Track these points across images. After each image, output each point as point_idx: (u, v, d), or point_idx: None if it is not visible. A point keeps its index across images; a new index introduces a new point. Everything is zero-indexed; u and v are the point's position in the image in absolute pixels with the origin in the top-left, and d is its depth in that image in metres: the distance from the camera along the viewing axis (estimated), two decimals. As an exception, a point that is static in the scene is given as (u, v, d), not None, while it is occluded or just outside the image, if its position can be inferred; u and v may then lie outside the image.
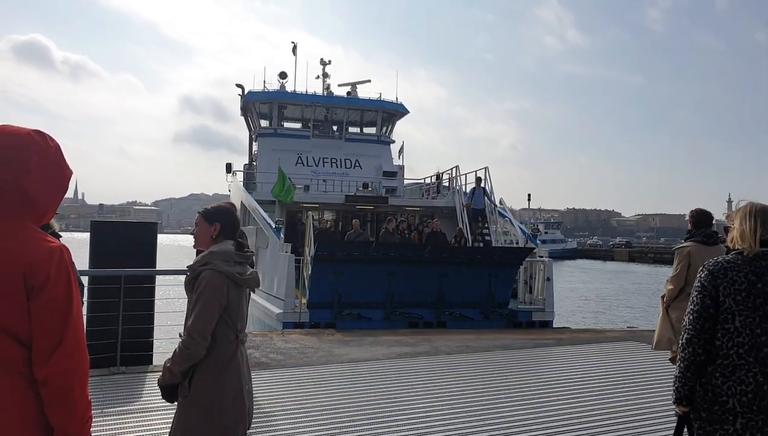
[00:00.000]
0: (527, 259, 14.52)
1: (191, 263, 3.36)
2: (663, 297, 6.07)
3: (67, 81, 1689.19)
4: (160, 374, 3.26)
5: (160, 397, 3.28)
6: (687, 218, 6.46)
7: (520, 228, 16.91)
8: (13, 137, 2.05)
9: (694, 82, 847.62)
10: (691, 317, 2.91)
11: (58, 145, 2.15)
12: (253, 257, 3.78)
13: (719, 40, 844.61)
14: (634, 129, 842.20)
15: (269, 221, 15.44)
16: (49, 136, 2.13)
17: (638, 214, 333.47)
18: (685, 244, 6.02)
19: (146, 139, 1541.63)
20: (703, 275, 2.92)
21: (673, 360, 5.75)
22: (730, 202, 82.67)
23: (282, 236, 14.67)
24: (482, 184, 18.53)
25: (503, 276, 14.00)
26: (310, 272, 13.26)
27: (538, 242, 16.78)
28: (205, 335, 3.11)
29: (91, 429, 2.09)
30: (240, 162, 27.80)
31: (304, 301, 13.11)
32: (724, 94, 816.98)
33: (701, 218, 6.10)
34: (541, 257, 14.79)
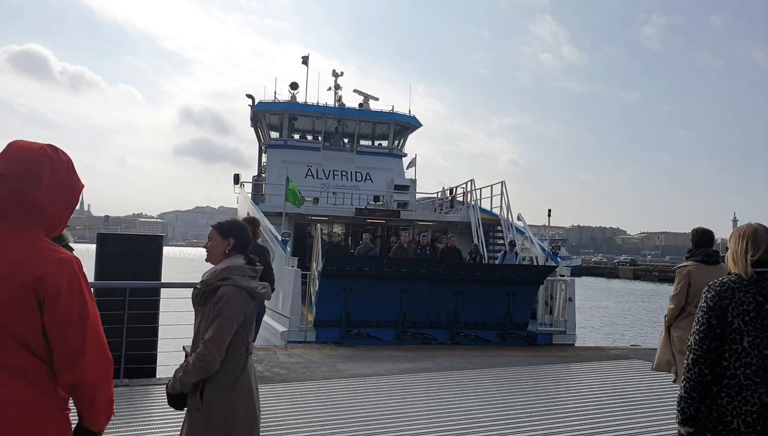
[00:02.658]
0: (548, 278, 13.64)
1: (205, 276, 3.36)
2: (666, 317, 6.07)
3: (66, 91, 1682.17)
4: (170, 381, 3.28)
5: (164, 409, 3.31)
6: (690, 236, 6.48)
7: (539, 245, 15.87)
8: (26, 151, 2.10)
9: (691, 100, 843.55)
10: (696, 337, 2.90)
11: (70, 160, 2.20)
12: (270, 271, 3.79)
13: (715, 59, 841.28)
14: (636, 146, 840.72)
15: (276, 233, 14.82)
16: (61, 150, 2.18)
17: (643, 232, 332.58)
18: (685, 263, 6.03)
19: (148, 150, 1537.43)
20: (709, 296, 2.92)
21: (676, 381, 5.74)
22: (735, 221, 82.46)
23: (289, 248, 14.12)
24: (515, 248, 16.15)
25: (522, 295, 13.09)
26: (317, 288, 12.50)
27: (558, 259, 15.68)
28: (221, 350, 3.15)
29: None
30: (242, 175, 27.34)
31: (310, 318, 12.45)
32: (724, 113, 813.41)
33: (702, 237, 6.12)
34: (562, 275, 13.78)
